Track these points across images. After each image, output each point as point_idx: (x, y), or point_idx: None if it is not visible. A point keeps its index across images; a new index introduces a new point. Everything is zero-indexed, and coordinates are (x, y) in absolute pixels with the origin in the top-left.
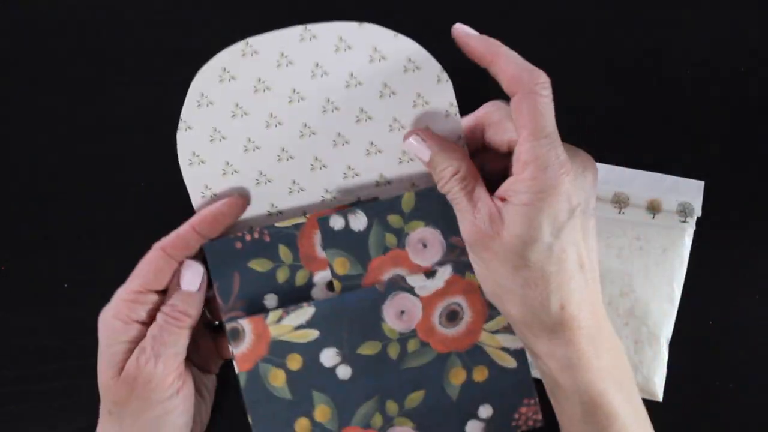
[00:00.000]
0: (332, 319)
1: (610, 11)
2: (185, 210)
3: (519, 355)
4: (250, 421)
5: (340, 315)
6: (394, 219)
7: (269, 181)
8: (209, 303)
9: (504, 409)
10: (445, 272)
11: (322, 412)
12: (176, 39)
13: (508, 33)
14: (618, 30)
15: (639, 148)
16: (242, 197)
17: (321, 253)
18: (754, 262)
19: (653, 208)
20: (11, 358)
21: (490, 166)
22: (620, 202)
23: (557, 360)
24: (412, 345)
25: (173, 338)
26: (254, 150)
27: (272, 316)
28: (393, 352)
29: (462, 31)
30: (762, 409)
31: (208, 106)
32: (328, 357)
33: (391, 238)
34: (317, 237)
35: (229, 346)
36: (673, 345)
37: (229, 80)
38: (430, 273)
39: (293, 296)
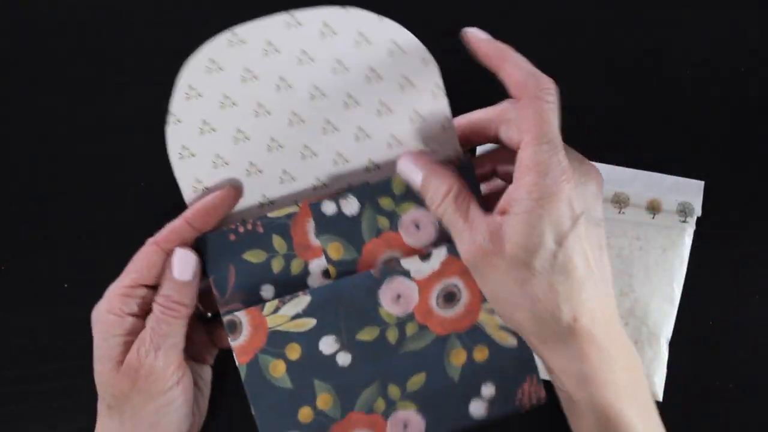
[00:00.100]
0: (329, 306)
1: (610, 11)
2: (185, 210)
3: (523, 344)
4: (253, 412)
5: (337, 302)
6: (385, 201)
7: (260, 172)
8: (201, 294)
9: (506, 386)
10: (441, 254)
11: (324, 400)
12: (176, 39)
13: (508, 33)
14: (618, 30)
15: (639, 148)
16: (234, 188)
17: (315, 241)
18: (754, 262)
19: (653, 208)
20: (11, 358)
21: (502, 168)
22: (620, 202)
23: (572, 375)
24: (410, 328)
25: (171, 329)
26: (244, 141)
27: (268, 306)
28: (392, 336)
29: (473, 34)
30: (762, 409)
31: (196, 98)
32: (327, 345)
33: (383, 221)
34: (310, 225)
35: (228, 339)
36: (673, 345)
37: (217, 71)
38: (425, 255)
39: (289, 286)
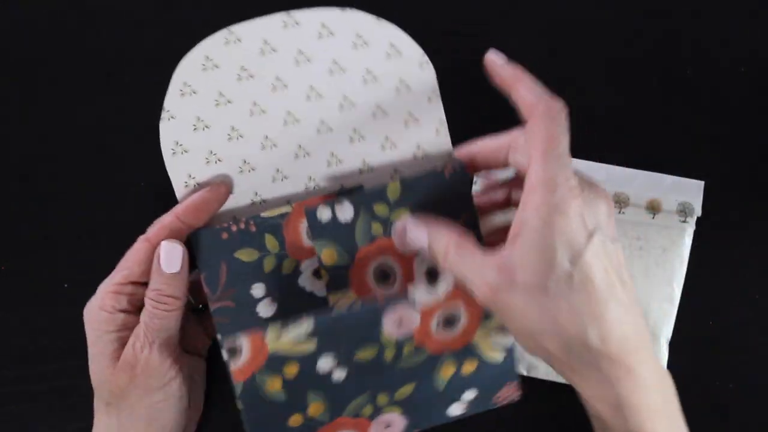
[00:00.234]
0: (331, 331)
1: (610, 11)
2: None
3: (508, 350)
4: (243, 421)
5: (339, 328)
6: (380, 208)
7: (253, 170)
8: (192, 286)
9: (487, 391)
10: (447, 284)
11: (315, 407)
12: (176, 39)
13: (508, 33)
14: (618, 30)
15: (639, 148)
16: (225, 184)
17: (307, 242)
18: (754, 262)
19: (653, 208)
20: (11, 358)
21: (516, 195)
22: (620, 202)
23: (607, 401)
24: (407, 348)
25: (164, 323)
26: (238, 138)
27: (271, 333)
28: (389, 355)
29: (492, 60)
30: (762, 409)
31: (191, 95)
32: (325, 363)
33: (377, 227)
34: (303, 226)
35: (226, 362)
36: (673, 345)
37: (213, 69)
38: (431, 282)
39: (280, 285)
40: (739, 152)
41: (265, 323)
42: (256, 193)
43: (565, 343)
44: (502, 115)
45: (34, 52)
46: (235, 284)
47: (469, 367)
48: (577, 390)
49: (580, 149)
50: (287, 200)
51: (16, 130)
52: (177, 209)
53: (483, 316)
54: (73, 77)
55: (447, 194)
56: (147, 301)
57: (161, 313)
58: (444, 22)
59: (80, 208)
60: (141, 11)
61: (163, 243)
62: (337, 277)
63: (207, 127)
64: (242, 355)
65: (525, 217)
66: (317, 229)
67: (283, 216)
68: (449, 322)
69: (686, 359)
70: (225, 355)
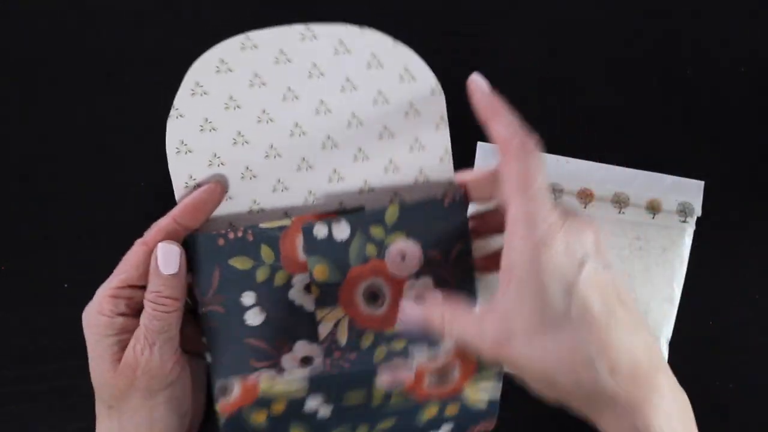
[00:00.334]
0: (324, 381)
1: (610, 11)
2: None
3: (494, 401)
4: None
5: (333, 379)
6: (376, 230)
7: (254, 177)
8: (190, 288)
9: (463, 426)
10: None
11: None
12: (177, 39)
13: (508, 33)
14: (618, 30)
15: (639, 148)
16: (220, 184)
17: (302, 257)
18: (754, 262)
19: (653, 208)
20: (11, 358)
21: None
22: (620, 202)
23: None
24: (395, 397)
25: (163, 324)
26: (243, 144)
27: (265, 382)
28: (377, 401)
29: (476, 84)
30: (762, 409)
31: (202, 95)
32: (313, 403)
33: (372, 249)
34: (299, 240)
35: (214, 396)
36: (673, 345)
37: (226, 72)
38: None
39: (271, 296)
40: (739, 152)
41: (251, 331)
42: (255, 201)
43: (575, 381)
44: None
45: (34, 52)
46: (226, 290)
47: (452, 410)
48: (595, 424)
49: (580, 149)
50: (285, 212)
51: (16, 130)
52: (174, 212)
53: (476, 370)
54: (73, 77)
55: (443, 223)
56: (146, 303)
57: (160, 314)
58: (444, 22)
59: (80, 208)
60: (141, 11)
61: (160, 244)
62: (327, 294)
63: (214, 129)
64: (232, 394)
65: (511, 262)
66: (312, 246)
67: (281, 229)
68: (442, 377)
69: (686, 359)
70: (215, 392)
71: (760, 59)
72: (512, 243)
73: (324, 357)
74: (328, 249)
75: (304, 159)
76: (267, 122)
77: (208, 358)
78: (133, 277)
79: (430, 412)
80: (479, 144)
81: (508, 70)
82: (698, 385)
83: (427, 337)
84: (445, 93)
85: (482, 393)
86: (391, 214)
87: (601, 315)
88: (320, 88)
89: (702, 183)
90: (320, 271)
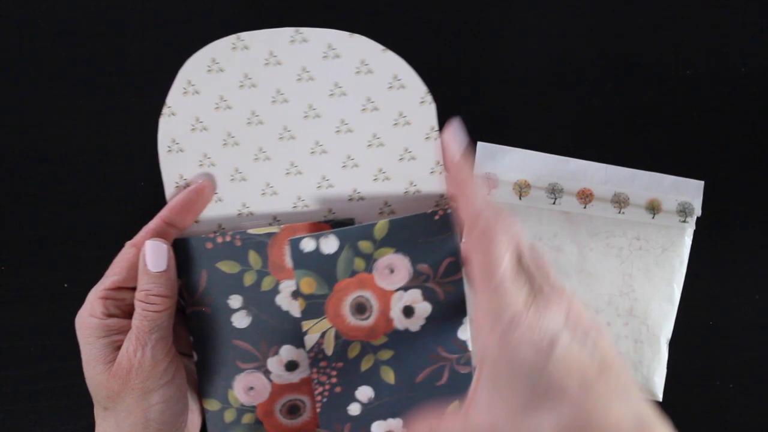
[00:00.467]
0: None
1: (610, 11)
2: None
3: None
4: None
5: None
6: (365, 245)
7: (243, 180)
8: (181, 288)
9: None
10: None
11: None
12: (176, 39)
13: (509, 33)
14: (618, 30)
15: (639, 148)
16: (208, 183)
17: (289, 264)
18: (754, 262)
19: (653, 208)
20: (11, 358)
21: None
22: (620, 202)
23: None
24: None
25: (155, 324)
26: (233, 146)
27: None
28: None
29: (448, 143)
30: (762, 409)
31: (193, 94)
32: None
33: (360, 263)
34: (287, 248)
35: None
36: (673, 345)
37: (217, 72)
38: (407, 315)
39: (258, 300)
40: (739, 152)
41: (238, 333)
42: (244, 205)
43: None
44: (501, 115)
45: (34, 52)
46: (214, 292)
47: None
48: None
49: (580, 149)
50: (274, 216)
51: (16, 130)
52: (162, 213)
53: None
54: (73, 77)
55: (434, 237)
56: (136, 303)
57: (151, 314)
58: (444, 21)
59: (80, 208)
60: (141, 11)
61: (148, 242)
62: (314, 305)
63: (205, 129)
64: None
65: (481, 352)
66: (299, 259)
67: (269, 235)
68: None
69: (686, 359)
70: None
71: (760, 59)
72: (481, 333)
73: (310, 366)
74: (316, 262)
75: (293, 163)
76: (257, 124)
77: (195, 356)
78: (124, 278)
79: None
80: (479, 144)
81: (508, 71)
82: (698, 385)
83: (415, 349)
84: (444, 94)
85: None
86: (381, 229)
87: (578, 394)
88: (309, 92)
89: (702, 183)
90: (307, 283)
